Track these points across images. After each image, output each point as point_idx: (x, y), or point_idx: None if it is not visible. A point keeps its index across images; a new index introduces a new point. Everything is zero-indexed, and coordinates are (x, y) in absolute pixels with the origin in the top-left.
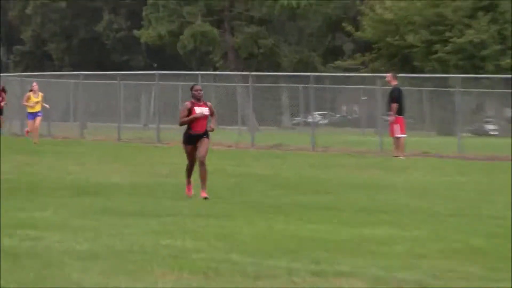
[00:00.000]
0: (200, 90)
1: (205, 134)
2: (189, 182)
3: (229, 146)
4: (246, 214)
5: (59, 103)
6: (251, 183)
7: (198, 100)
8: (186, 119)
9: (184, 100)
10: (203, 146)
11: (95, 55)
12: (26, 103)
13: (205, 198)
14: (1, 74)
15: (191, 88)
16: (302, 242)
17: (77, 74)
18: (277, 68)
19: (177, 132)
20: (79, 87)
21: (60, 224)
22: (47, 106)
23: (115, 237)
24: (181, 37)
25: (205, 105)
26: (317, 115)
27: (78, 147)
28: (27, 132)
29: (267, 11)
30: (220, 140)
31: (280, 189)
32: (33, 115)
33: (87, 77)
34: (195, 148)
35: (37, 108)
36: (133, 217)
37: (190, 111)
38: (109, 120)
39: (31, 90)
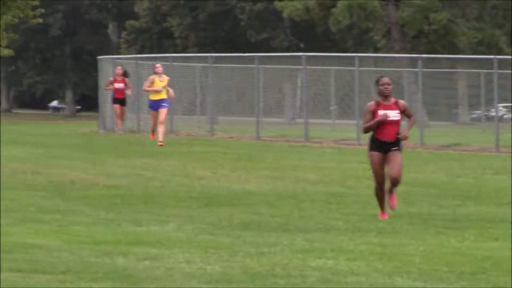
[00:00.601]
0: (388, 85)
1: (397, 143)
2: (382, 209)
3: None
4: (414, 229)
5: (182, 92)
6: (420, 191)
7: (385, 97)
8: (370, 124)
9: (337, 88)
10: (395, 161)
11: (226, 33)
12: (148, 88)
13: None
14: (112, 56)
15: (377, 82)
16: (481, 263)
17: (205, 57)
18: (453, 49)
19: (327, 128)
20: (207, 72)
21: (185, 240)
22: (171, 93)
23: (253, 257)
24: (333, 10)
25: (395, 106)
26: (502, 108)
27: (207, 147)
28: (153, 134)
29: None
30: None
31: (455, 198)
32: (157, 104)
33: (217, 60)
34: (385, 159)
35: (163, 95)
36: (275, 233)
37: (374, 113)
38: (245, 113)
39: (155, 73)
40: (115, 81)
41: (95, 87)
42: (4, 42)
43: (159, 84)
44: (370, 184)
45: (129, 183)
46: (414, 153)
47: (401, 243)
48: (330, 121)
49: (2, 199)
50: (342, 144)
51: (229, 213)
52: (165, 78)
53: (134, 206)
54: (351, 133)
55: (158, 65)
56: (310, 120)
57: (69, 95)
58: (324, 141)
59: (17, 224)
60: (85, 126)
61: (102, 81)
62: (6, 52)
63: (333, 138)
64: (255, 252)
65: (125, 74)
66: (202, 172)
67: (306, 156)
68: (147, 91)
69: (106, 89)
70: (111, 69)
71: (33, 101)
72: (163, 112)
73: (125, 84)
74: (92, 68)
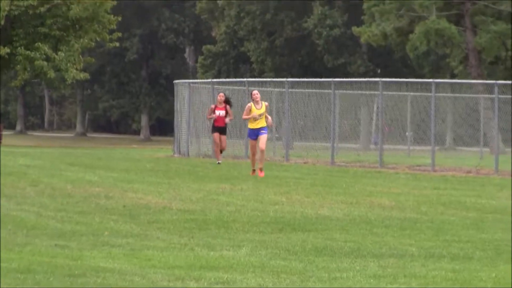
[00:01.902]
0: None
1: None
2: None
3: (468, 172)
4: (486, 255)
5: None
6: (493, 217)
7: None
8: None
9: (413, 114)
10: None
11: (303, 58)
12: (246, 116)
13: None
14: (189, 81)
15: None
16: None
17: (281, 81)
18: None
19: (402, 154)
20: (283, 97)
21: (258, 265)
22: (269, 121)
23: (326, 282)
24: (411, 36)
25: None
26: None
27: (281, 172)
28: (253, 171)
29: None
30: (456, 165)
31: None
32: (256, 132)
33: (293, 85)
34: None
35: (262, 123)
36: (349, 258)
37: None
38: (324, 138)
39: (252, 100)
40: (216, 108)
41: (171, 111)
42: (80, 66)
43: (257, 112)
44: (444, 210)
45: (203, 207)
46: (488, 179)
47: (473, 269)
48: (405, 147)
49: (75, 223)
50: (416, 170)
51: (302, 238)
52: (263, 105)
53: (208, 230)
54: (426, 159)
55: (255, 92)
56: (385, 146)
57: (144, 119)
58: (399, 166)
59: (90, 247)
60: (160, 150)
61: (178, 105)
62: (82, 75)
63: (408, 164)
64: (327, 278)
65: (227, 101)
66: (276, 197)
67: (380, 182)
68: (245, 119)
69: (208, 118)
70: (187, 94)
71: (108, 125)
72: (263, 138)
73: (227, 112)
74: (168, 92)
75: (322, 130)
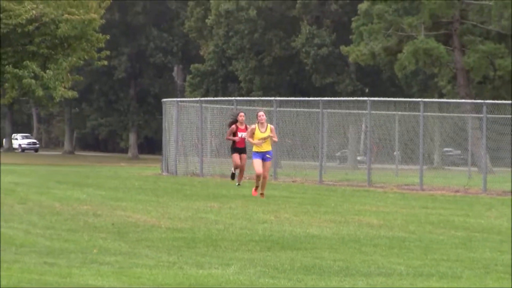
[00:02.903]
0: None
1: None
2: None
3: (456, 191)
4: (475, 274)
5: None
6: (481, 237)
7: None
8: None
9: (401, 133)
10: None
11: (291, 77)
12: (250, 140)
13: None
14: (177, 99)
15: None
16: None
17: (270, 100)
18: None
19: (391, 173)
20: (271, 116)
21: (247, 283)
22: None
23: None
24: (399, 55)
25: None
26: None
27: (270, 191)
28: (256, 189)
29: (507, 24)
30: (445, 184)
31: None
32: (260, 156)
33: (281, 104)
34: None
35: (266, 147)
36: (338, 277)
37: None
38: (307, 157)
39: (258, 122)
40: (239, 129)
41: (159, 130)
42: (68, 84)
43: (260, 136)
44: (432, 229)
45: (191, 226)
46: (477, 198)
47: None
48: (393, 166)
49: (63, 241)
50: (405, 189)
51: (291, 256)
52: (268, 128)
53: (196, 249)
54: (415, 178)
55: (260, 113)
56: (374, 165)
57: (132, 137)
58: (387, 185)
59: (79, 265)
60: (148, 168)
61: (166, 124)
62: (70, 94)
63: (396, 183)
64: None
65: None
66: (264, 215)
67: (368, 201)
68: (251, 143)
69: (228, 139)
70: (175, 112)
71: (96, 143)
72: (266, 165)
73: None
74: (156, 111)
75: (310, 149)
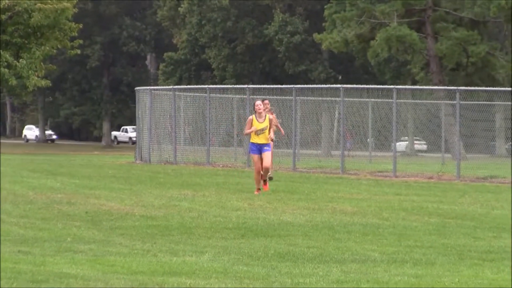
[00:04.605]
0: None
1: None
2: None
3: (430, 178)
4: (449, 261)
5: (219, 123)
6: (455, 223)
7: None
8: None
9: (374, 120)
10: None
11: (264, 65)
12: (248, 131)
13: None
14: (150, 88)
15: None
16: None
17: (243, 88)
18: (491, 82)
19: (364, 160)
20: (244, 104)
21: (221, 270)
22: (271, 137)
23: (289, 287)
24: (372, 42)
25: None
26: None
27: (243, 179)
28: (258, 190)
29: (480, 11)
30: (418, 170)
31: (491, 231)
32: (258, 148)
33: (254, 91)
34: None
35: (262, 140)
36: (311, 263)
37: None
38: (281, 144)
39: (255, 112)
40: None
41: (132, 118)
42: (42, 73)
43: (258, 126)
44: (406, 216)
45: (165, 214)
46: (450, 185)
47: (436, 275)
48: (367, 153)
49: (37, 229)
50: (378, 176)
51: (265, 244)
52: (267, 118)
53: (170, 236)
54: (388, 165)
55: (257, 102)
56: (347, 152)
57: (106, 126)
58: (360, 172)
59: (53, 253)
60: (122, 157)
61: (140, 112)
62: (43, 83)
63: (369, 170)
64: (290, 283)
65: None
66: (238, 203)
67: (342, 188)
68: (246, 134)
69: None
70: (148, 100)
71: (70, 131)
72: (266, 156)
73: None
74: (129, 99)
75: (283, 136)
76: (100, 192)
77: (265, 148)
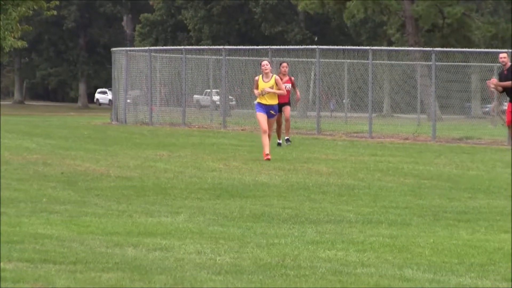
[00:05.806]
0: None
1: None
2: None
3: (406, 139)
4: (424, 221)
5: (195, 84)
6: (431, 184)
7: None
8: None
9: (350, 81)
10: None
11: (240, 26)
12: (256, 92)
13: None
14: (126, 48)
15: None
16: (491, 255)
17: (219, 49)
18: (467, 43)
19: (340, 121)
20: (220, 65)
21: (196, 231)
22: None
23: (264, 247)
24: (348, 4)
25: None
26: None
27: (219, 139)
28: (266, 155)
29: None
30: (394, 132)
31: (466, 191)
32: (265, 108)
33: (230, 52)
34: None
35: (270, 101)
36: (287, 224)
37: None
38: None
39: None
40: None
41: (108, 79)
42: (18, 34)
43: (263, 85)
44: (381, 176)
45: (141, 174)
46: (426, 145)
47: (411, 235)
48: (342, 114)
49: (13, 190)
50: (354, 137)
51: (240, 204)
52: (273, 78)
53: (146, 197)
54: (364, 126)
55: (264, 62)
56: (322, 113)
57: (82, 87)
58: (336, 133)
59: (28, 214)
60: (98, 118)
61: (116, 73)
62: (19, 44)
63: (345, 130)
64: (265, 243)
65: (292, 82)
66: (214, 164)
67: (317, 149)
68: (257, 95)
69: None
70: (124, 61)
71: (46, 93)
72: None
73: (292, 85)
74: (105, 61)
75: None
76: (76, 153)
77: (271, 112)
